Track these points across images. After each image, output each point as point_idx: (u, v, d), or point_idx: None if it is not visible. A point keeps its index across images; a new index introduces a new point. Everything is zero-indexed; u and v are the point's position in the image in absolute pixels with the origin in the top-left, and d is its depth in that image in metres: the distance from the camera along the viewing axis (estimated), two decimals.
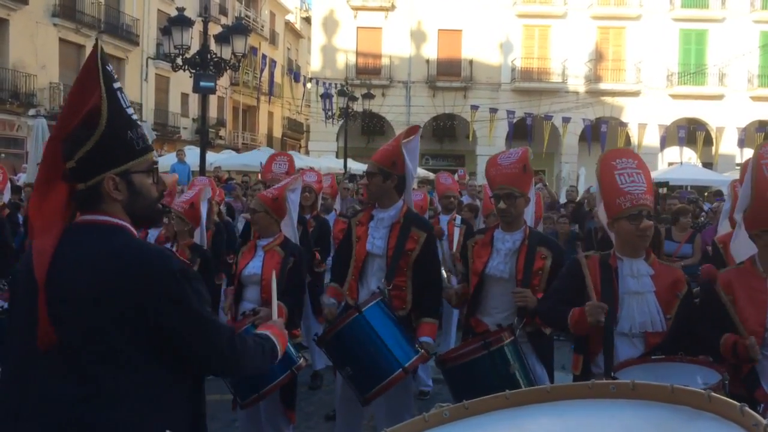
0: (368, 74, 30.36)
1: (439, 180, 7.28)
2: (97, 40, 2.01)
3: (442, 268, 6.16)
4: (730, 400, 1.29)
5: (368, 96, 24.63)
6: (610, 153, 3.35)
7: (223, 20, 29.93)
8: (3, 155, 21.73)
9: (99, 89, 1.86)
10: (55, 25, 24.10)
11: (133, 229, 1.94)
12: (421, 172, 26.05)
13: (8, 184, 7.49)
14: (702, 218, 10.76)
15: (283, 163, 6.58)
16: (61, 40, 24.57)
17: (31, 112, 22.66)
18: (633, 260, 3.15)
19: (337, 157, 27.58)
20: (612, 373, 2.91)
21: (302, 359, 4.06)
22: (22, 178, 13.59)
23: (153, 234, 5.08)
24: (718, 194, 15.76)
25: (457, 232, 6.59)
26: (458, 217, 6.80)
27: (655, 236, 4.31)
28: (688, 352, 2.95)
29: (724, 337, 3.06)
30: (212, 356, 1.92)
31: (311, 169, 7.85)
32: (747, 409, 1.23)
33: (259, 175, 16.79)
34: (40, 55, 23.58)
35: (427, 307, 3.98)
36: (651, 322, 3.05)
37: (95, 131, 1.85)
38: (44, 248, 1.82)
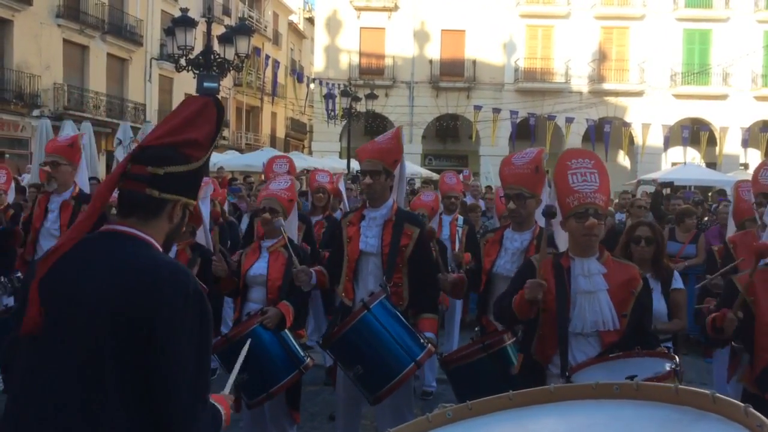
0: (371, 74, 30.37)
1: (444, 180, 7.25)
2: (218, 99, 2.13)
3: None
4: (735, 401, 1.29)
5: (371, 96, 24.62)
6: (567, 153, 3.32)
7: (227, 21, 29.95)
8: (7, 156, 21.78)
9: (212, 132, 2.00)
10: (59, 25, 24.16)
11: (159, 247, 1.95)
12: (424, 172, 26.05)
13: (13, 185, 7.49)
14: (707, 219, 10.73)
15: (284, 164, 6.62)
16: (65, 40, 24.62)
17: (35, 112, 22.70)
18: (584, 259, 3.12)
19: (340, 157, 27.58)
20: (567, 374, 2.91)
21: (309, 359, 4.07)
22: (26, 179, 13.62)
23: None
24: (721, 194, 15.71)
25: (459, 232, 6.58)
26: (460, 218, 6.78)
27: (660, 237, 4.31)
28: (644, 346, 2.96)
29: (710, 317, 3.13)
30: (172, 400, 1.76)
31: (322, 169, 7.84)
32: (751, 409, 1.23)
33: (262, 176, 16.79)
34: (44, 55, 23.63)
35: (426, 303, 4.00)
36: (603, 321, 3.03)
37: (193, 162, 1.96)
38: (66, 242, 1.83)
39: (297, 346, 4.06)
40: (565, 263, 3.13)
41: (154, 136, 1.96)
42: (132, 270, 1.79)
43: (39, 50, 23.42)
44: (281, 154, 8.45)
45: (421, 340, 3.72)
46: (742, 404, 1.26)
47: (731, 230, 5.16)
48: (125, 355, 1.74)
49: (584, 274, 3.08)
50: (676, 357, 2.80)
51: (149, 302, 1.75)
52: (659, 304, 4.06)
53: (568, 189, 3.11)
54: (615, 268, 3.13)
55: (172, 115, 2.01)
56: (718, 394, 1.31)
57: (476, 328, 4.00)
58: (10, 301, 5.77)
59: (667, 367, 2.70)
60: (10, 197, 7.01)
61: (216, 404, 1.98)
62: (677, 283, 4.31)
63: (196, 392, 1.79)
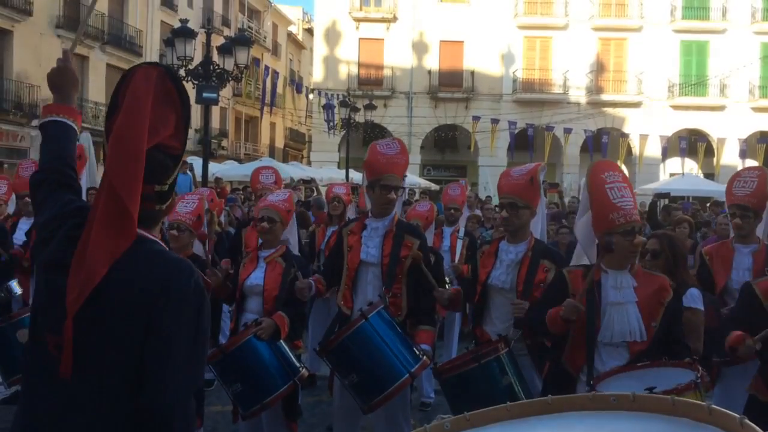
0: (370, 85, 30.45)
1: (447, 191, 7.28)
2: (169, 68, 1.96)
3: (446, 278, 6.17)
4: (730, 413, 1.30)
5: (370, 107, 24.66)
6: (598, 165, 3.37)
7: (226, 32, 30.09)
8: (6, 165, 21.78)
9: (180, 117, 1.92)
10: (58, 36, 24.22)
11: (163, 244, 1.96)
12: (423, 182, 26.09)
13: (13, 195, 7.49)
14: (703, 231, 10.74)
15: (270, 175, 6.69)
16: (64, 51, 24.66)
17: (35, 122, 22.71)
18: (617, 272, 3.20)
19: (338, 167, 27.62)
20: (591, 382, 2.96)
21: (304, 369, 4.06)
22: None
23: None
24: (720, 205, 15.72)
25: (459, 244, 6.58)
26: (462, 229, 6.79)
27: (670, 249, 4.18)
28: (671, 356, 3.00)
29: (732, 334, 3.18)
30: (162, 384, 1.75)
31: (341, 183, 7.88)
32: (747, 421, 1.24)
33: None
34: (43, 66, 23.65)
35: (424, 315, 4.04)
36: (630, 331, 3.11)
37: (179, 156, 1.91)
38: (94, 277, 1.74)
39: (292, 357, 4.06)
40: (595, 275, 3.21)
41: (135, 136, 1.80)
42: (141, 267, 1.80)
43: (38, 60, 23.47)
44: (267, 165, 8.48)
45: (417, 352, 3.74)
46: (737, 415, 1.26)
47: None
48: (129, 347, 1.75)
49: (616, 286, 3.17)
50: (700, 368, 2.81)
51: (151, 293, 1.76)
52: None
53: (611, 205, 3.16)
54: (645, 280, 3.21)
55: (136, 102, 1.83)
56: (714, 406, 1.32)
57: (473, 341, 4.01)
58: None
59: (688, 378, 2.71)
60: (11, 207, 7.03)
61: None
62: (692, 301, 3.91)
63: (187, 382, 1.79)
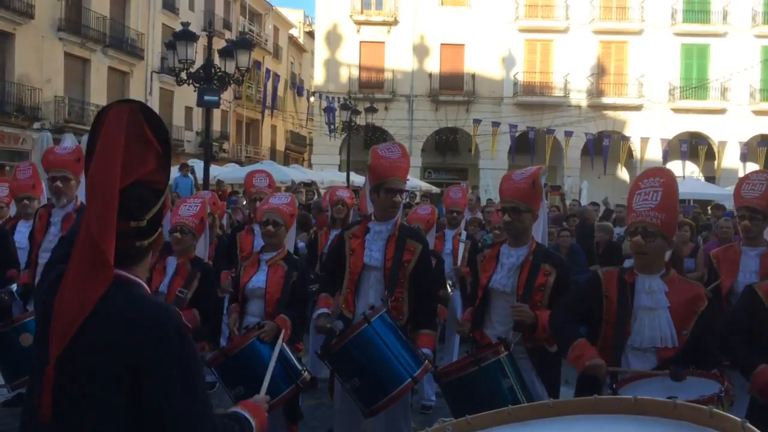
0: (371, 88, 30.48)
1: (448, 194, 7.28)
2: (142, 104, 1.89)
3: (448, 282, 6.16)
4: (732, 417, 1.30)
5: (371, 110, 24.68)
6: (644, 172, 3.38)
7: (228, 35, 30.14)
8: (8, 168, 21.81)
9: (158, 152, 1.87)
10: (60, 39, 24.27)
11: (146, 285, 1.90)
12: (424, 185, 26.10)
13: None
14: (704, 234, 10.73)
15: (263, 178, 6.70)
16: (66, 54, 24.73)
17: (36, 125, 22.78)
18: (647, 276, 3.17)
19: (339, 170, 27.63)
20: (614, 386, 2.95)
21: (306, 373, 4.06)
22: None
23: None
24: (720, 208, 15.71)
25: (462, 247, 6.59)
26: (464, 233, 6.80)
27: (675, 253, 4.24)
28: (699, 365, 2.96)
29: (759, 368, 3.11)
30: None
31: (343, 186, 7.87)
32: (748, 425, 1.24)
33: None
34: (45, 68, 23.73)
35: (425, 319, 4.04)
36: (661, 337, 3.07)
37: (162, 191, 1.87)
38: (74, 321, 1.72)
39: (294, 360, 4.06)
40: (629, 278, 3.20)
41: (106, 178, 1.76)
42: (122, 313, 1.75)
43: (40, 63, 23.52)
44: (261, 168, 8.47)
45: (419, 356, 3.73)
46: (739, 419, 1.26)
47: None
48: (111, 394, 1.72)
49: (647, 290, 3.15)
50: (726, 381, 2.77)
51: (134, 338, 1.72)
52: None
53: (630, 208, 3.23)
54: (679, 287, 3.17)
55: (107, 146, 1.78)
56: (715, 410, 1.32)
57: (473, 344, 4.01)
58: None
59: (712, 390, 2.66)
60: (12, 210, 7.03)
61: (247, 415, 1.95)
62: None
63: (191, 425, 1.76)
